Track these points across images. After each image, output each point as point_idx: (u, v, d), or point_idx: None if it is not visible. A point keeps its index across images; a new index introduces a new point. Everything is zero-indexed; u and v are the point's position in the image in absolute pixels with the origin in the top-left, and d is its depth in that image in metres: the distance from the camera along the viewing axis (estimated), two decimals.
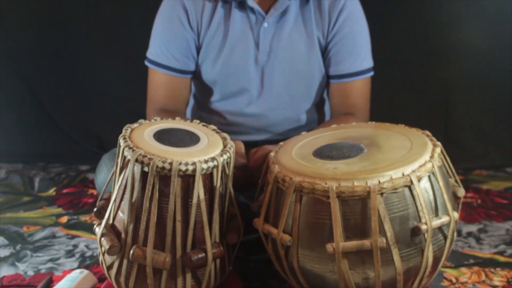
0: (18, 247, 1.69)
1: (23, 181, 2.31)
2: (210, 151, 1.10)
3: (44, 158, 2.54)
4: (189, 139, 1.14)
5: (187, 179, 1.05)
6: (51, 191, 2.19)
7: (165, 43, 1.47)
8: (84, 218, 1.92)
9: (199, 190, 1.06)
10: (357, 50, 1.48)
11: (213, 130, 1.21)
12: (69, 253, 1.65)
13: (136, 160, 1.04)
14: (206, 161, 1.06)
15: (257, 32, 1.45)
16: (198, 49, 1.49)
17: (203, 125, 1.22)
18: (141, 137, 1.11)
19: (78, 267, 1.54)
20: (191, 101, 1.63)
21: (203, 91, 1.56)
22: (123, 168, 1.09)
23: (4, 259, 1.61)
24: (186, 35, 1.46)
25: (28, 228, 1.83)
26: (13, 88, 2.59)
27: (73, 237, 1.76)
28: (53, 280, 1.47)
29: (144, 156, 1.04)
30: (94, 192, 2.14)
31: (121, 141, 1.09)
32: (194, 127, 1.20)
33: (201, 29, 1.46)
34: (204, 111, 1.58)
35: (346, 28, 1.46)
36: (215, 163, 1.07)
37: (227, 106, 1.53)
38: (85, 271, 1.40)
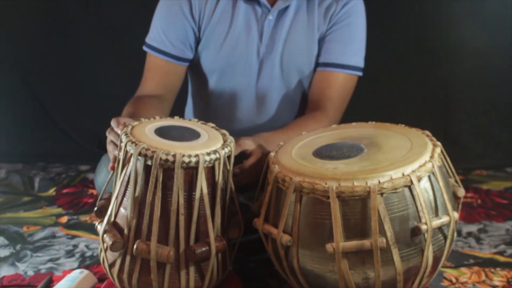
0: (18, 247, 1.69)
1: (23, 181, 2.31)
2: (211, 144, 1.11)
3: (44, 158, 2.54)
4: (190, 134, 1.14)
5: (190, 171, 1.06)
6: (51, 191, 2.19)
7: (163, 28, 1.47)
8: (84, 218, 1.92)
9: (202, 182, 1.06)
10: (350, 44, 1.48)
11: (212, 127, 1.21)
12: (69, 253, 1.65)
13: (139, 154, 1.04)
14: (208, 154, 1.06)
15: (262, 24, 1.46)
16: (198, 39, 1.48)
17: (202, 123, 1.23)
18: (143, 132, 1.11)
19: (78, 267, 1.54)
20: (190, 103, 1.63)
21: (200, 84, 1.55)
22: (124, 164, 1.09)
23: (4, 259, 1.61)
24: (185, 22, 1.46)
25: (28, 228, 1.83)
26: (13, 88, 2.59)
27: (73, 237, 1.76)
28: (53, 280, 1.47)
29: (147, 149, 1.04)
30: (94, 192, 2.14)
31: (123, 137, 1.08)
32: (194, 124, 1.21)
33: (203, 18, 1.46)
34: (203, 113, 1.58)
35: (345, 20, 1.47)
36: (217, 155, 1.07)
37: (224, 101, 1.53)
38: (85, 271, 1.40)
